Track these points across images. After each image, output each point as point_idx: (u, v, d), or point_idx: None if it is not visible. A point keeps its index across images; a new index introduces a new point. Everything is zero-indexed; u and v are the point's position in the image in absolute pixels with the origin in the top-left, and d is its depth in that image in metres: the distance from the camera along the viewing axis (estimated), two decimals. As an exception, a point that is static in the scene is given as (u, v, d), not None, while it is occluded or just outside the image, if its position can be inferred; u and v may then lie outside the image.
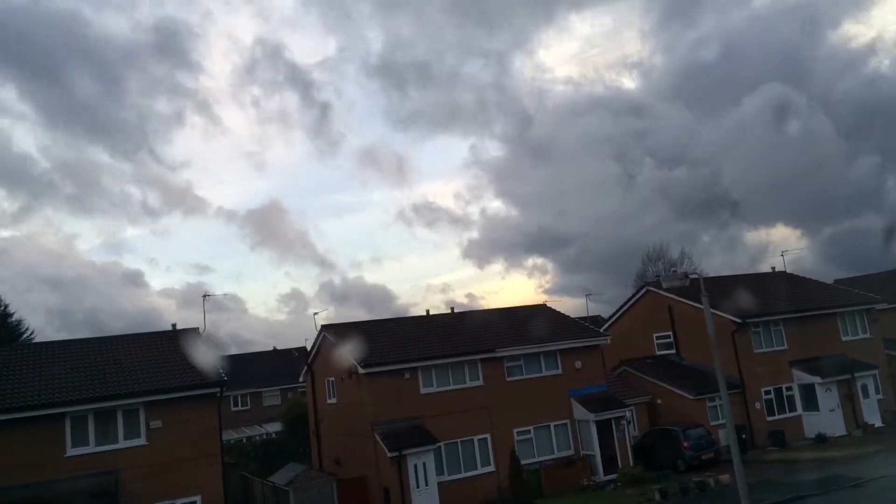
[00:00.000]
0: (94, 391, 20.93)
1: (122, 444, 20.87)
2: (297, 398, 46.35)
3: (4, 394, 20.35)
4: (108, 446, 20.68)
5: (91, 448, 20.46)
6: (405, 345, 28.16)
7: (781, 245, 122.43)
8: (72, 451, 20.20)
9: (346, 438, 28.73)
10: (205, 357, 23.81)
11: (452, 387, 27.65)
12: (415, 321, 32.03)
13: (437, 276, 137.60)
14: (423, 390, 27.07)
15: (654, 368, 34.12)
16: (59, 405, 20.15)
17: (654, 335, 36.78)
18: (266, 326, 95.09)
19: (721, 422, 30.13)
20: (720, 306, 31.49)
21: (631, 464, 28.29)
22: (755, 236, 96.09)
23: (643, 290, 38.16)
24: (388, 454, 24.70)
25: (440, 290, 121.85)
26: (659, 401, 32.75)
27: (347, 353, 27.17)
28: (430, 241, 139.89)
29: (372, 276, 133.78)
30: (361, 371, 25.96)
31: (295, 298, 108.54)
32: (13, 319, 42.66)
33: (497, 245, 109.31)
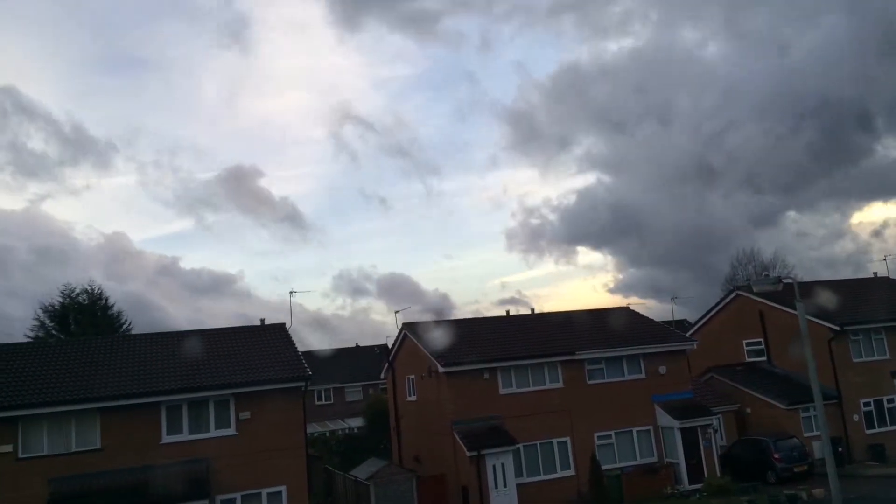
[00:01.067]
0: (188, 382, 21.86)
1: (213, 433, 21.73)
2: (378, 395, 47.12)
3: (108, 382, 21.53)
4: (199, 435, 21.58)
5: (184, 436, 21.41)
6: (485, 345, 28.18)
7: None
8: (167, 439, 21.19)
9: (425, 436, 29.01)
10: (291, 352, 24.56)
11: (532, 388, 27.48)
12: (494, 321, 31.99)
13: (499, 275, 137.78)
14: (502, 391, 27.02)
15: (743, 376, 32.90)
16: (156, 394, 21.18)
17: (744, 341, 35.49)
18: (348, 324, 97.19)
19: (815, 433, 28.76)
20: (816, 313, 30.05)
21: (718, 474, 27.35)
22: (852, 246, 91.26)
23: (732, 294, 36.84)
24: (467, 453, 24.79)
25: (501, 289, 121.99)
26: (748, 410, 31.55)
27: (428, 351, 27.45)
28: (490, 239, 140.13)
29: (427, 277, 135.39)
30: (441, 370, 26.15)
31: (372, 297, 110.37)
32: (113, 311, 45.15)
33: (560, 239, 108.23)
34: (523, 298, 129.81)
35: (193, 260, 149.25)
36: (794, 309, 18.18)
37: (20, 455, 19.70)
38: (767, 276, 38.80)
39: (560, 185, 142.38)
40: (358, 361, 56.35)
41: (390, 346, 33.32)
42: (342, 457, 37.11)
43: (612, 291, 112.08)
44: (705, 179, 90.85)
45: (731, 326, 36.06)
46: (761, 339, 34.58)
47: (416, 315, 64.79)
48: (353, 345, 61.92)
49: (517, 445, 25.66)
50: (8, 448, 19.57)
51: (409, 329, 30.13)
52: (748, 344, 35.40)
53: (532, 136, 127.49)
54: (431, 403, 28.08)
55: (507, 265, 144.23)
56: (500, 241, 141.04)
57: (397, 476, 27.04)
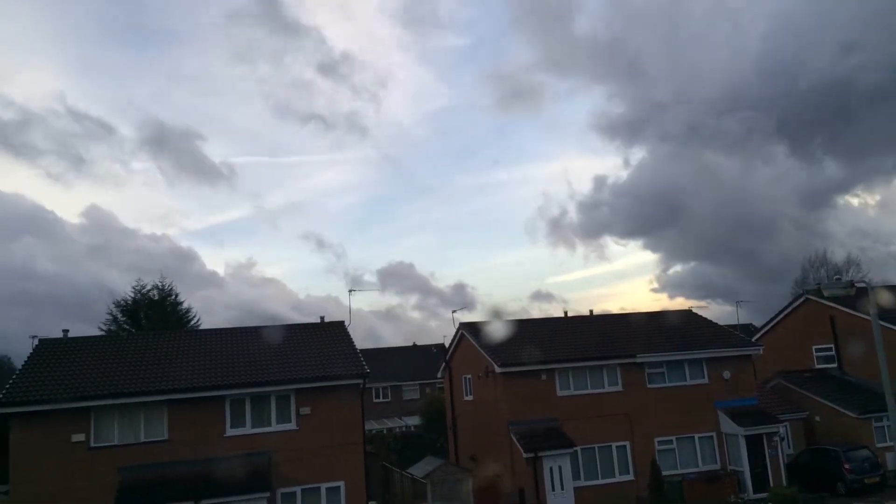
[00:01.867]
0: (251, 377, 22.42)
1: (275, 427, 22.21)
2: (435, 393, 47.28)
3: (175, 375, 22.26)
4: (261, 429, 22.09)
5: (247, 430, 21.95)
6: (542, 345, 27.94)
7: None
8: (230, 432, 21.77)
9: (482, 436, 28.98)
10: (349, 349, 24.89)
11: (590, 391, 27.13)
12: (552, 322, 31.72)
13: (540, 276, 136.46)
14: (559, 392, 26.77)
15: (812, 383, 31.71)
16: (220, 388, 21.78)
17: (813, 347, 34.23)
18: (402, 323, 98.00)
19: (889, 444, 27.50)
20: (891, 318, 28.73)
21: (784, 483, 26.43)
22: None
23: (802, 299, 35.55)
24: (524, 455, 24.65)
25: (542, 289, 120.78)
26: (817, 418, 30.39)
27: (484, 351, 27.41)
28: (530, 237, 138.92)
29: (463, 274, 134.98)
30: (498, 370, 26.07)
31: (435, 296, 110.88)
32: (182, 307, 46.60)
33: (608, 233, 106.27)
34: (564, 299, 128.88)
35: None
36: (868, 314, 17.43)
37: (92, 444, 20.55)
38: (839, 279, 37.28)
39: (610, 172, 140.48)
40: (415, 360, 56.71)
41: (447, 345, 33.42)
42: (399, 454, 37.36)
43: (668, 295, 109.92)
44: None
45: (799, 331, 34.84)
46: (832, 345, 33.30)
47: (472, 315, 64.90)
48: (411, 343, 62.46)
49: (575, 448, 25.37)
50: (81, 437, 20.44)
51: (466, 329, 30.15)
52: (818, 350, 34.13)
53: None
54: (488, 403, 28.03)
55: (547, 265, 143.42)
56: (541, 239, 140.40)
57: (454, 475, 27.10)
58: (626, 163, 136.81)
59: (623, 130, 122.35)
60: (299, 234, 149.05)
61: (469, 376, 30.40)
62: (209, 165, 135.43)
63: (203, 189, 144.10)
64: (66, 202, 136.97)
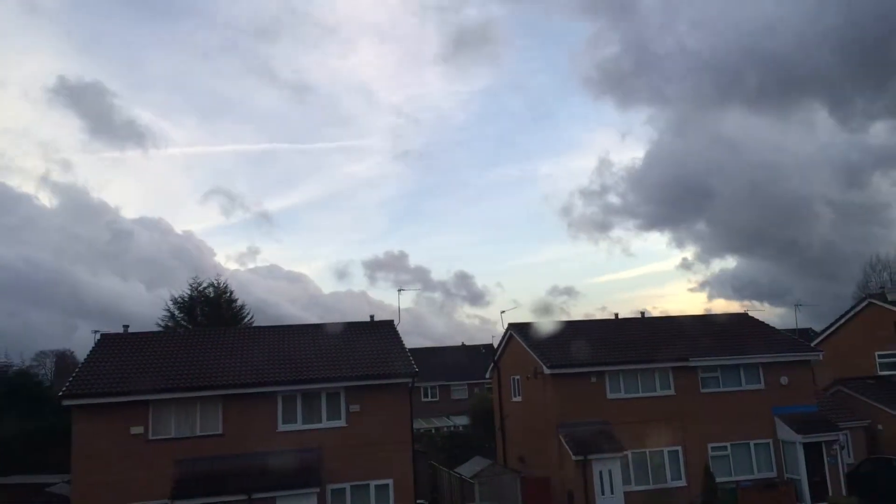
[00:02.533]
0: (302, 374, 22.76)
1: (325, 424, 22.49)
2: (483, 394, 47.20)
3: (230, 371, 22.76)
4: (312, 425, 22.39)
5: (298, 426, 22.30)
6: (592, 347, 27.63)
7: None
8: (282, 427, 22.13)
9: (530, 437, 28.82)
10: (398, 348, 25.06)
11: (641, 394, 26.70)
12: (602, 324, 31.33)
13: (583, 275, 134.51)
14: (609, 395, 26.43)
15: (875, 390, 30.59)
16: (273, 384, 22.19)
17: (876, 353, 32.98)
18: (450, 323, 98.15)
19: (958, 456, 26.31)
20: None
21: (843, 493, 25.56)
22: None
23: (864, 303, 34.33)
24: (573, 457, 24.42)
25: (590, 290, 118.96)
26: (880, 426, 29.30)
27: (533, 352, 27.26)
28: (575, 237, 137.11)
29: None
30: (547, 371, 25.88)
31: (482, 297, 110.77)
32: (237, 304, 47.66)
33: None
34: (600, 299, 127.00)
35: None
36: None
37: (150, 437, 21.16)
38: (904, 283, 35.85)
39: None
40: (464, 360, 56.78)
41: (496, 345, 33.34)
42: (447, 454, 37.46)
43: (709, 295, 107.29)
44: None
45: (861, 337, 33.64)
46: (896, 351, 32.11)
47: (521, 315, 64.65)
48: (460, 343, 62.55)
49: (625, 452, 25.02)
50: (140, 429, 21.07)
51: (515, 329, 30.04)
52: (881, 356, 32.90)
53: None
54: (536, 405, 27.86)
55: (579, 263, 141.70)
56: (572, 236, 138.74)
57: (502, 476, 27.03)
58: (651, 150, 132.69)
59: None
60: (328, 227, 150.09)
61: (517, 377, 30.27)
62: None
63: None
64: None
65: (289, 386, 22.28)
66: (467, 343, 62.48)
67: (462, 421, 47.22)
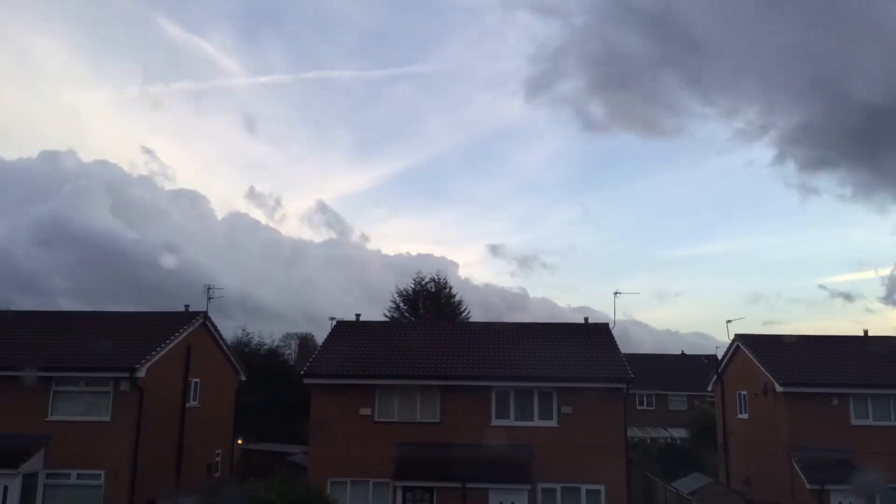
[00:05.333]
0: (516, 371, 23.08)
1: (537, 422, 22.60)
2: (704, 407, 44.87)
3: (447, 363, 23.74)
4: (524, 423, 22.62)
5: (511, 422, 22.65)
6: (831, 366, 24.87)
7: None
8: (495, 422, 22.63)
9: (757, 458, 26.63)
10: (613, 352, 24.46)
11: (894, 423, 23.50)
12: (847, 341, 27.96)
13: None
14: (854, 421, 23.64)
15: None
16: (488, 379, 22.79)
17: None
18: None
19: None
20: None
21: None
22: None
23: None
24: (808, 485, 22.16)
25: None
26: None
27: (763, 367, 25.15)
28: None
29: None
30: (779, 389, 23.76)
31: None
32: (455, 300, 49.68)
33: None
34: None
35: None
36: None
37: (376, 419, 22.77)
38: None
39: None
40: (683, 370, 53.98)
41: (720, 357, 31.28)
42: (663, 466, 35.91)
43: None
44: None
45: None
46: None
47: (750, 326, 60.06)
48: (679, 352, 59.68)
49: (874, 485, 22.14)
50: (367, 411, 22.76)
51: (742, 341, 27.92)
52: None
53: None
54: (765, 424, 25.66)
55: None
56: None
57: (724, 496, 25.30)
58: None
59: None
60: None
61: (744, 392, 28.12)
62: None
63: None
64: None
65: (503, 382, 22.73)
66: (688, 352, 59.40)
67: (679, 433, 44.98)
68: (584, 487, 21.82)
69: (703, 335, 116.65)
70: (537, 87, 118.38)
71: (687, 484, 27.08)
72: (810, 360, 25.44)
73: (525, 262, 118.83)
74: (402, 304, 48.27)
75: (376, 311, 49.85)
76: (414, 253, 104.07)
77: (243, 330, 47.90)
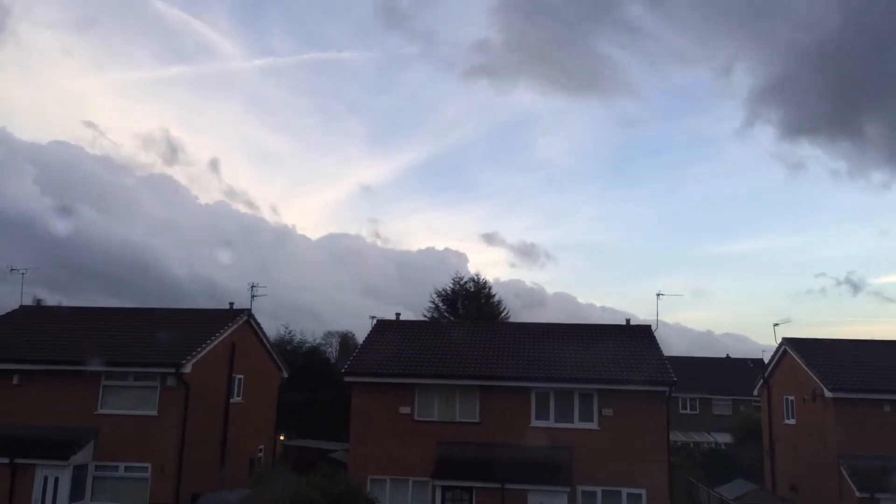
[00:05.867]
0: (555, 372, 22.91)
1: (577, 424, 22.41)
2: (749, 411, 44.08)
3: (487, 363, 23.67)
4: (564, 424, 22.45)
5: (550, 423, 22.50)
6: (883, 371, 24.09)
7: None
8: (535, 423, 22.51)
9: (804, 465, 25.97)
10: (655, 354, 24.11)
11: (952, 431, 22.67)
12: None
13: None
14: (909, 428, 22.83)
15: None
16: (527, 380, 22.69)
17: None
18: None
19: None
20: None
21: None
22: None
23: None
24: (857, 493, 21.50)
25: None
26: None
27: (812, 372, 24.51)
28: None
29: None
30: (829, 394, 23.12)
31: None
32: (495, 300, 49.59)
33: None
34: None
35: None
36: None
37: (416, 417, 22.86)
38: None
39: None
40: (728, 373, 52.96)
41: (766, 360, 30.60)
42: (706, 471, 35.34)
43: None
44: None
45: None
46: None
47: (795, 330, 58.64)
48: (724, 355, 58.56)
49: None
50: (407, 409, 22.87)
51: (790, 344, 27.25)
52: None
53: None
54: (813, 430, 25.00)
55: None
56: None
57: (770, 502, 24.74)
58: None
59: None
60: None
61: (791, 397, 27.44)
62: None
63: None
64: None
65: (542, 383, 22.60)
66: (732, 356, 58.24)
67: (724, 438, 44.15)
68: (625, 491, 21.57)
69: (737, 336, 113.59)
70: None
71: (731, 489, 26.59)
72: (861, 364, 24.69)
73: (542, 255, 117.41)
74: (441, 304, 48.38)
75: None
76: (431, 248, 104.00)
77: (285, 327, 48.63)
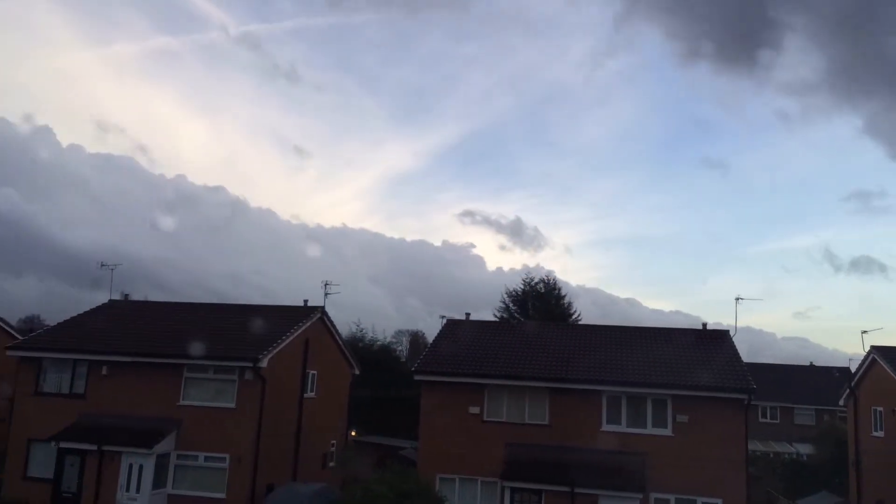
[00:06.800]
0: (628, 376, 22.48)
1: (650, 430, 21.94)
2: (834, 422, 42.22)
3: (557, 365, 23.43)
4: (636, 429, 22.02)
5: (622, 428, 22.10)
6: None
7: None
8: (606, 427, 22.14)
9: (892, 480, 24.63)
10: (733, 360, 23.33)
11: None
12: None
13: None
14: None
15: None
16: (598, 383, 22.32)
17: None
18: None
19: None
20: None
21: None
22: None
23: None
24: (954, 514, 20.27)
25: None
26: None
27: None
28: None
29: None
30: (922, 406, 21.85)
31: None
32: (565, 301, 49.01)
33: None
34: None
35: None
36: None
37: (485, 417, 22.85)
38: None
39: None
40: (811, 382, 50.74)
41: (853, 370, 29.17)
42: (787, 482, 34.01)
43: None
44: None
45: None
46: None
47: (885, 337, 55.69)
48: (807, 363, 56.18)
49: None
50: (476, 409, 22.89)
51: (879, 353, 25.92)
52: None
53: None
54: (905, 444, 23.69)
55: None
56: None
57: (854, 519, 23.57)
58: None
59: None
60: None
61: (880, 409, 26.08)
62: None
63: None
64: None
65: (614, 387, 22.21)
66: (816, 363, 55.80)
67: (805, 449, 42.34)
68: (700, 500, 21.00)
69: (799, 340, 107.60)
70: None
71: (814, 503, 25.46)
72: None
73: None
74: (511, 305, 48.18)
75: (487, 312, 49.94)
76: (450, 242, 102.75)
77: (357, 325, 49.41)
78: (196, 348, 23.26)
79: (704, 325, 26.70)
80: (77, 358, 24.40)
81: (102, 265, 29.46)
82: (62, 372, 24.61)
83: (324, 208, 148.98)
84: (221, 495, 22.38)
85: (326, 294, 27.85)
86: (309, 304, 27.47)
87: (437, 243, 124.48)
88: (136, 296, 32.07)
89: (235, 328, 24.85)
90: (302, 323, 25.77)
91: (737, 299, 27.43)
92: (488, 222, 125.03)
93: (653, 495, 21.00)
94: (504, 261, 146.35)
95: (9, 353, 25.22)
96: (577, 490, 20.55)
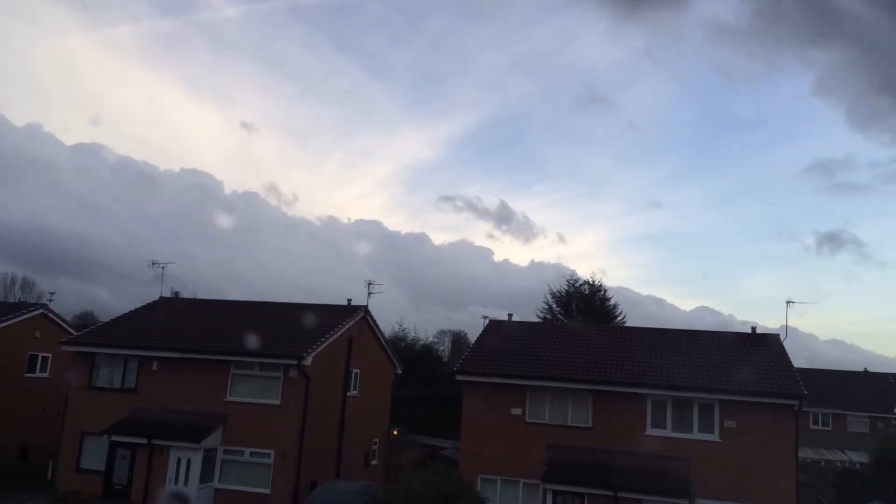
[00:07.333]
0: (674, 380, 22.05)
1: (696, 435, 21.48)
2: (890, 430, 40.80)
3: (603, 367, 23.15)
4: (682, 434, 21.59)
5: (667, 432, 21.70)
6: None
7: None
8: (650, 431, 21.77)
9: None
10: (784, 365, 22.73)
11: None
12: None
13: None
14: None
15: None
16: (643, 386, 21.96)
17: None
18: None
19: None
20: None
21: None
22: None
23: None
24: None
25: None
26: None
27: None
28: None
29: None
30: None
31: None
32: (610, 303, 48.43)
33: None
34: None
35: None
36: None
37: (527, 419, 22.72)
38: None
39: None
40: (866, 389, 49.14)
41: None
42: (839, 492, 32.98)
43: None
44: None
45: None
46: None
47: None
48: (862, 369, 54.44)
49: None
50: (518, 411, 22.77)
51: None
52: None
53: None
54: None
55: None
56: None
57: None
58: None
59: None
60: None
61: (940, 417, 25.09)
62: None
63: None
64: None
65: (659, 390, 21.83)
66: (871, 370, 54.02)
67: (859, 458, 41.01)
68: (749, 507, 20.46)
69: (839, 343, 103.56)
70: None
71: (868, 514, 24.63)
72: None
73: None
74: (554, 306, 47.84)
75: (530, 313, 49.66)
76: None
77: (399, 325, 49.64)
78: (243, 345, 23.68)
79: (753, 328, 26.04)
80: (128, 353, 25.09)
81: (154, 264, 30.21)
82: (114, 367, 25.33)
83: (348, 201, 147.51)
84: (266, 490, 22.75)
85: (370, 293, 28.07)
86: (352, 303, 27.73)
87: (475, 242, 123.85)
88: (185, 294, 32.83)
89: (280, 326, 25.23)
90: (345, 322, 26.02)
91: (787, 303, 26.67)
92: (513, 223, 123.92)
93: (699, 501, 20.56)
94: (511, 254, 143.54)
95: (63, 348, 26.08)
96: (621, 494, 20.27)
